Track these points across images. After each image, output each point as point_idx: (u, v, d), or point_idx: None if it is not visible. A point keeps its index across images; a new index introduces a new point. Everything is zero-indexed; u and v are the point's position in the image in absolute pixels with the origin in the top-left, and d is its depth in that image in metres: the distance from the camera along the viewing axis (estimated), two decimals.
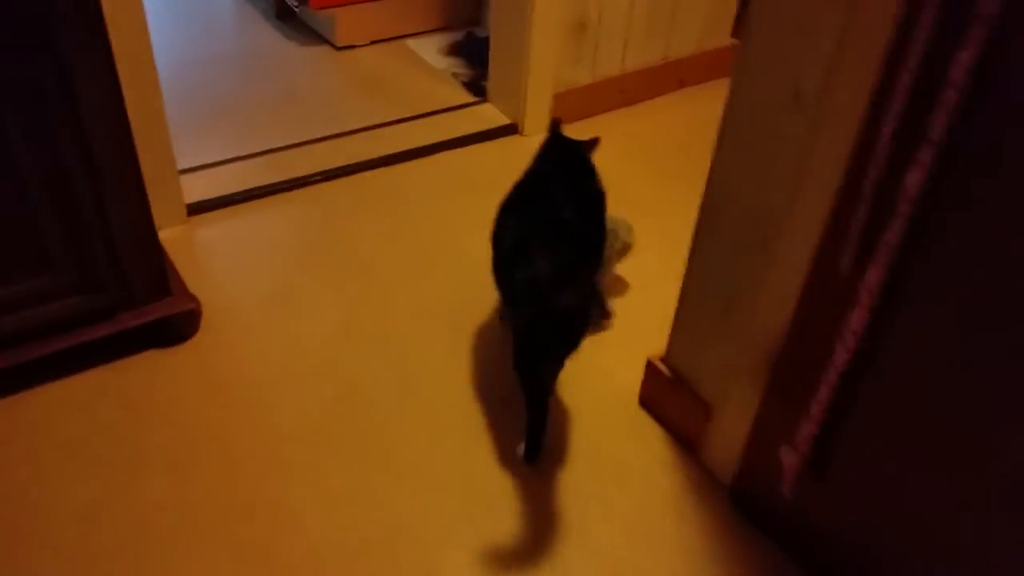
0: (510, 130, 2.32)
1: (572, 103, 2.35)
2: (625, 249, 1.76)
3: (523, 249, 1.33)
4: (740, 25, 2.51)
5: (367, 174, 2.12)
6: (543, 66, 2.22)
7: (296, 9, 2.69)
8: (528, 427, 1.42)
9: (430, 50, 2.68)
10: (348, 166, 2.12)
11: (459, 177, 2.15)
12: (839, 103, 1.04)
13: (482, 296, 1.75)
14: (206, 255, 1.85)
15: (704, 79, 2.61)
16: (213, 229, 1.91)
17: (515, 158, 2.25)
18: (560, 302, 1.29)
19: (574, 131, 2.36)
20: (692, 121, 2.42)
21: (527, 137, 2.31)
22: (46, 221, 1.37)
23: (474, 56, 2.61)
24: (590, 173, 1.48)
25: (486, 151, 2.26)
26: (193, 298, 1.61)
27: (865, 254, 1.02)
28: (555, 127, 1.58)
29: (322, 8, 2.55)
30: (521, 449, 1.45)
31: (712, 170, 1.27)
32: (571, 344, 1.37)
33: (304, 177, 2.07)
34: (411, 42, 2.72)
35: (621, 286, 1.84)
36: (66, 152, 1.32)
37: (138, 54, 1.66)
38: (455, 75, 2.55)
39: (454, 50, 2.67)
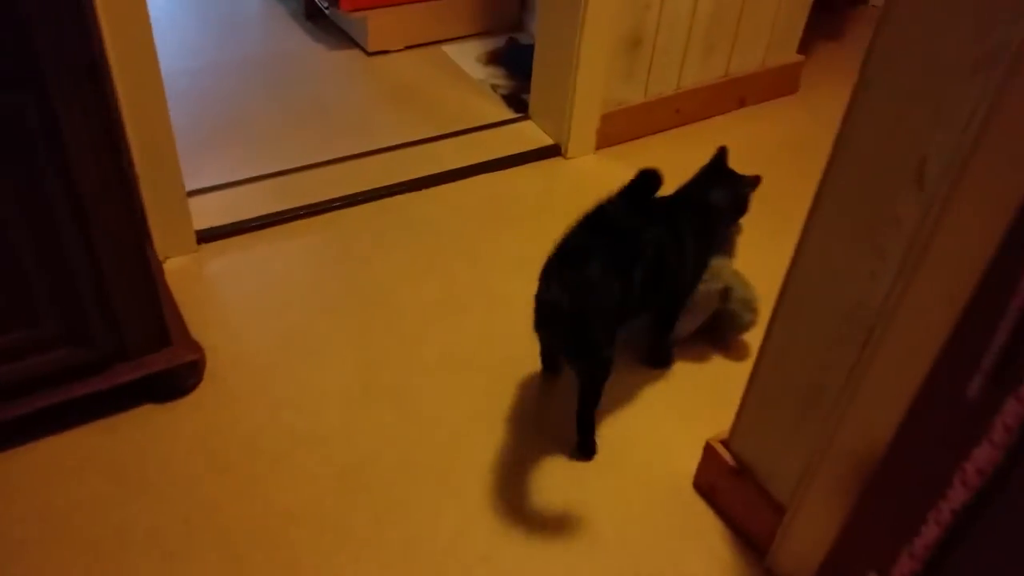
0: (552, 152, 2.12)
1: (621, 124, 2.15)
2: (748, 325, 1.60)
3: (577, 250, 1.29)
4: (813, 39, 2.28)
5: (394, 199, 1.94)
6: (591, 83, 2.01)
7: (326, 10, 2.51)
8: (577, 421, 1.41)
9: (468, 58, 2.48)
10: (374, 191, 1.93)
11: (496, 205, 1.96)
12: (974, 191, 0.83)
13: (519, 347, 1.55)
14: (215, 291, 1.68)
15: (766, 97, 2.39)
16: (224, 260, 1.74)
17: (557, 183, 2.06)
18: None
19: (622, 155, 2.10)
20: (754, 143, 2.20)
21: (571, 160, 2.11)
22: (29, 267, 1.20)
23: (515, 66, 2.41)
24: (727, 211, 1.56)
25: (526, 175, 2.06)
26: (196, 347, 1.45)
27: (1001, 382, 0.82)
28: (721, 155, 1.60)
29: (354, 10, 2.36)
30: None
31: (803, 241, 1.07)
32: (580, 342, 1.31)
33: (325, 203, 1.89)
34: (448, 48, 2.52)
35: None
36: (51, 194, 1.15)
37: (142, 65, 1.48)
38: (494, 87, 2.36)
39: (494, 58, 2.47)
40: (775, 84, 2.38)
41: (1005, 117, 0.79)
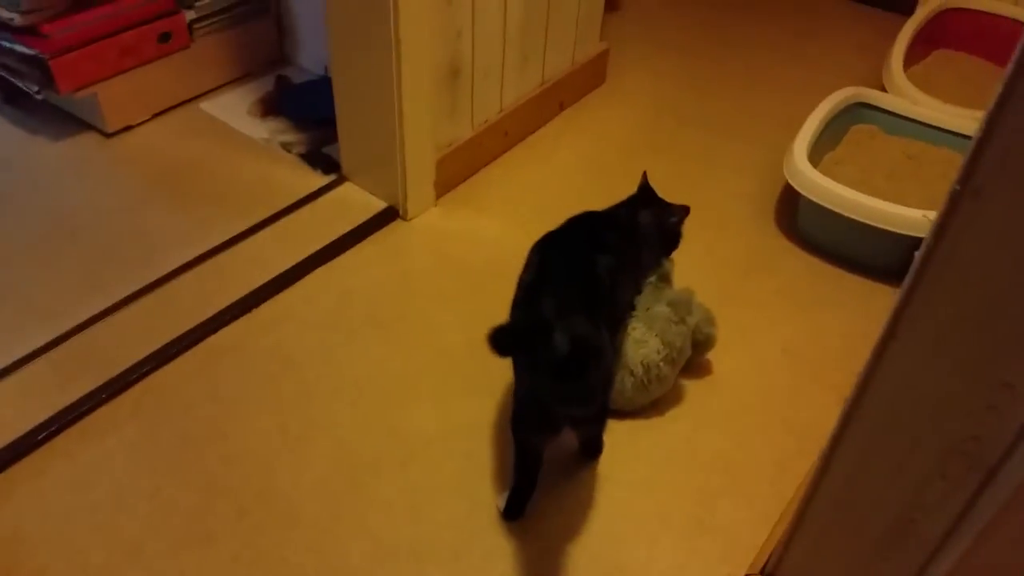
0: (389, 216, 1.77)
1: (456, 165, 1.84)
2: (708, 342, 1.43)
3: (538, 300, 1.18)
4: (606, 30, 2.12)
5: (223, 335, 1.50)
6: (419, 129, 1.68)
7: (37, 96, 1.88)
8: (513, 488, 1.24)
9: (236, 112, 2.01)
10: (191, 332, 1.48)
11: (351, 306, 1.57)
12: None
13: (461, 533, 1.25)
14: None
15: (581, 95, 2.18)
16: (9, 508, 1.23)
17: (412, 256, 1.71)
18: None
19: (465, 199, 1.86)
20: (586, 151, 2.00)
21: (413, 221, 1.77)
22: None
23: (299, 111, 1.99)
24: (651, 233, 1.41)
25: (371, 254, 1.69)
26: None
27: None
28: (645, 182, 1.45)
29: (77, 89, 1.80)
30: (503, 501, 1.25)
31: (880, 364, 0.87)
32: (578, 408, 1.15)
33: (129, 371, 1.41)
34: (206, 104, 2.03)
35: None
36: None
37: None
38: (285, 145, 1.93)
39: (269, 107, 2.02)
40: (587, 79, 2.18)
41: None
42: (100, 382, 1.38)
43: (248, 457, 1.32)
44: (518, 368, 1.18)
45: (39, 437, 1.31)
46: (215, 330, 1.50)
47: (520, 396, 1.18)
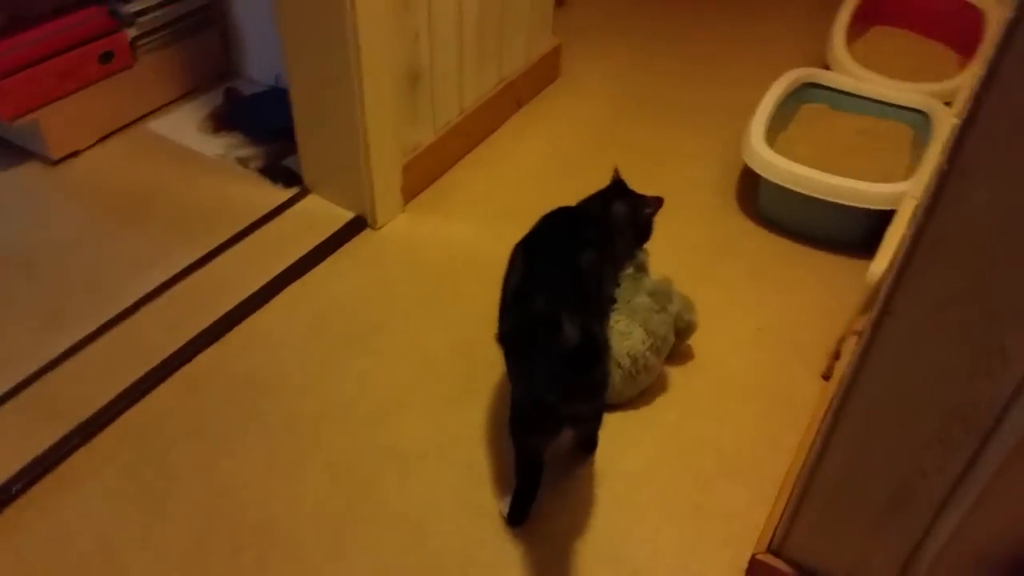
0: (358, 226, 1.75)
1: (421, 170, 1.82)
2: (690, 329, 1.46)
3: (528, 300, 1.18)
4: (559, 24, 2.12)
5: (198, 362, 1.46)
6: (383, 136, 1.66)
7: None
8: (516, 493, 1.24)
9: (187, 129, 1.96)
10: (166, 363, 1.44)
11: (326, 325, 1.55)
12: None
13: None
14: None
15: (537, 91, 2.19)
16: None
17: (386, 266, 1.69)
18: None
19: (432, 205, 1.88)
20: (547, 146, 2.01)
21: (382, 230, 1.76)
22: None
23: (252, 124, 1.95)
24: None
25: (342, 268, 1.67)
26: None
27: None
28: (617, 176, 1.44)
29: (16, 117, 1.73)
30: (505, 507, 1.25)
31: (878, 336, 0.89)
32: (584, 403, 1.18)
33: (108, 407, 1.36)
34: (155, 124, 1.97)
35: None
36: None
37: None
38: (241, 160, 1.89)
39: (220, 122, 1.98)
40: (542, 75, 2.18)
41: None
42: (71, 426, 1.33)
43: (239, 489, 1.29)
44: (516, 370, 1.18)
45: (12, 491, 1.25)
46: (188, 359, 1.46)
47: (519, 398, 1.18)
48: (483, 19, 1.84)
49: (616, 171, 1.44)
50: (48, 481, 1.28)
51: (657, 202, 1.42)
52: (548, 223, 1.33)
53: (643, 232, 1.45)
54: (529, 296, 1.17)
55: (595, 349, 1.07)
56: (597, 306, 1.25)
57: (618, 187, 1.43)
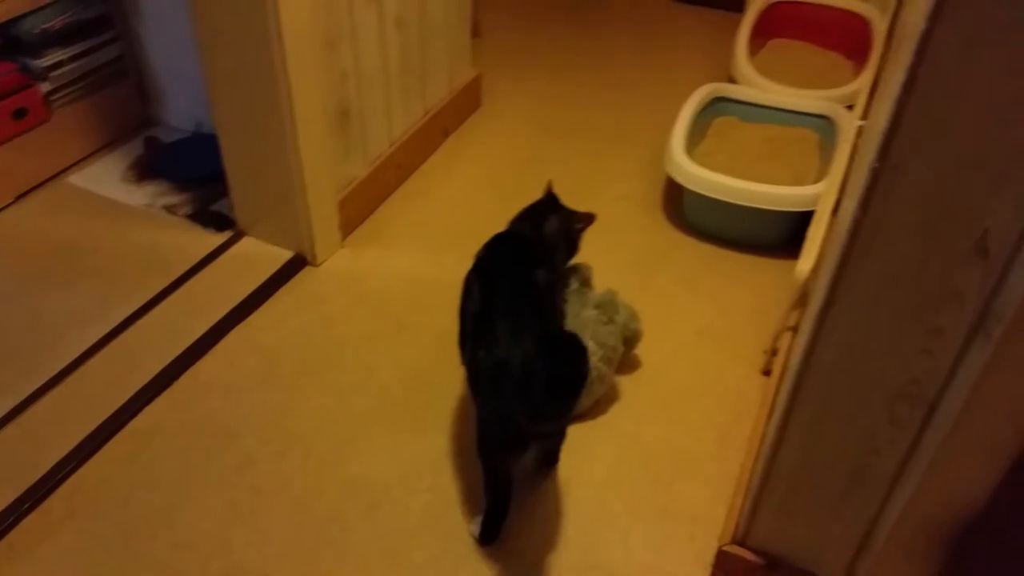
0: (298, 264, 1.74)
1: (356, 204, 1.84)
2: (636, 337, 1.51)
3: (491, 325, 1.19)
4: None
5: (144, 417, 1.42)
6: (319, 172, 1.66)
7: None
8: (487, 512, 1.27)
9: (109, 181, 1.92)
10: (114, 418, 1.40)
11: (272, 365, 1.54)
12: None
13: None
14: None
15: (462, 119, 2.23)
16: None
17: (330, 301, 1.69)
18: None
19: (370, 237, 1.91)
20: (476, 172, 2.05)
21: (323, 266, 1.75)
22: None
23: (178, 171, 1.93)
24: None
25: (285, 306, 1.66)
26: None
27: None
28: (550, 191, 1.47)
29: None
30: (476, 528, 1.27)
31: (823, 327, 0.96)
32: (556, 422, 1.23)
33: (45, 478, 1.31)
34: (75, 178, 1.92)
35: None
36: None
37: None
38: (169, 208, 1.85)
39: (143, 171, 1.94)
40: (465, 105, 2.23)
41: None
42: (22, 490, 1.29)
43: (202, 539, 1.26)
44: (485, 393, 1.20)
45: None
46: (137, 412, 1.43)
47: (487, 419, 1.20)
48: (405, 54, 1.87)
49: (549, 185, 1.48)
50: (0, 547, 1.23)
51: (588, 218, 1.45)
52: (495, 248, 1.36)
53: (572, 247, 1.47)
54: (491, 321, 1.19)
55: (571, 379, 1.10)
56: (557, 323, 1.29)
57: (551, 202, 1.46)
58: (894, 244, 0.87)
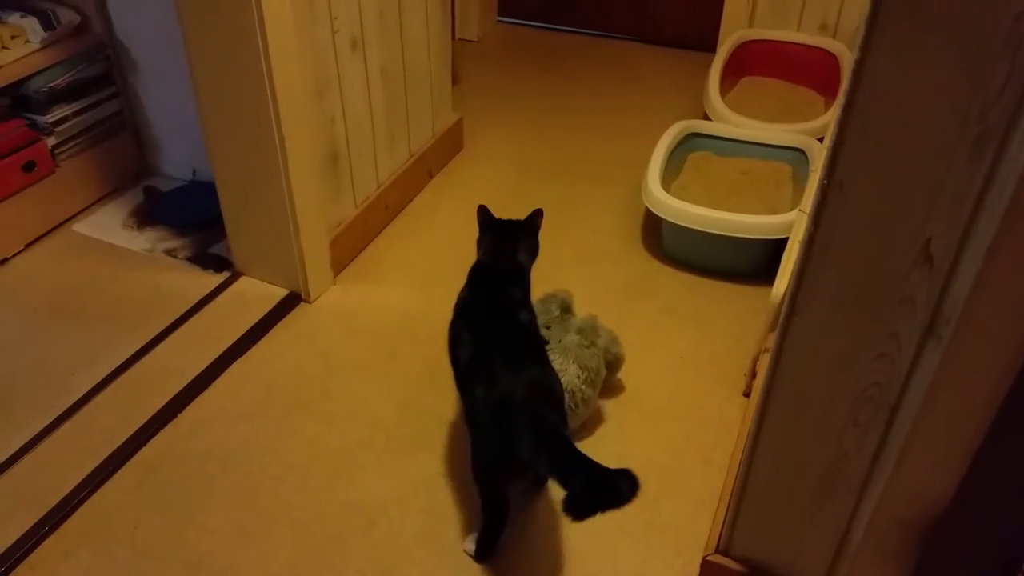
0: (292, 302, 1.81)
1: (347, 244, 1.91)
2: (618, 361, 1.57)
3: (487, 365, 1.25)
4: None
5: (149, 450, 1.48)
6: (311, 214, 1.74)
7: None
8: (484, 530, 1.32)
9: (111, 228, 1.99)
10: (115, 454, 1.45)
11: (270, 396, 1.60)
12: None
13: None
14: None
15: (446, 161, 2.32)
16: None
17: (322, 336, 1.76)
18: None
19: (361, 274, 1.99)
20: (460, 211, 2.11)
21: (317, 303, 1.82)
22: None
23: (176, 217, 2.00)
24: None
25: (282, 341, 1.73)
26: None
27: None
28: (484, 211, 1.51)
29: None
30: (471, 544, 1.33)
31: (786, 339, 1.02)
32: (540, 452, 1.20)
33: (60, 505, 1.36)
34: (79, 226, 2.00)
35: None
36: None
37: None
38: (170, 252, 1.93)
39: (144, 218, 2.02)
40: (448, 147, 2.32)
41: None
42: (39, 516, 1.34)
43: (209, 559, 1.31)
44: (487, 426, 1.23)
45: None
46: (144, 443, 1.48)
47: (488, 451, 1.24)
48: (390, 100, 1.97)
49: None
50: (21, 569, 1.28)
51: (539, 214, 1.48)
52: (476, 292, 1.41)
53: (536, 250, 1.48)
54: (487, 362, 1.24)
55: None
56: (544, 356, 1.34)
57: (511, 226, 1.48)
58: (847, 255, 0.94)
